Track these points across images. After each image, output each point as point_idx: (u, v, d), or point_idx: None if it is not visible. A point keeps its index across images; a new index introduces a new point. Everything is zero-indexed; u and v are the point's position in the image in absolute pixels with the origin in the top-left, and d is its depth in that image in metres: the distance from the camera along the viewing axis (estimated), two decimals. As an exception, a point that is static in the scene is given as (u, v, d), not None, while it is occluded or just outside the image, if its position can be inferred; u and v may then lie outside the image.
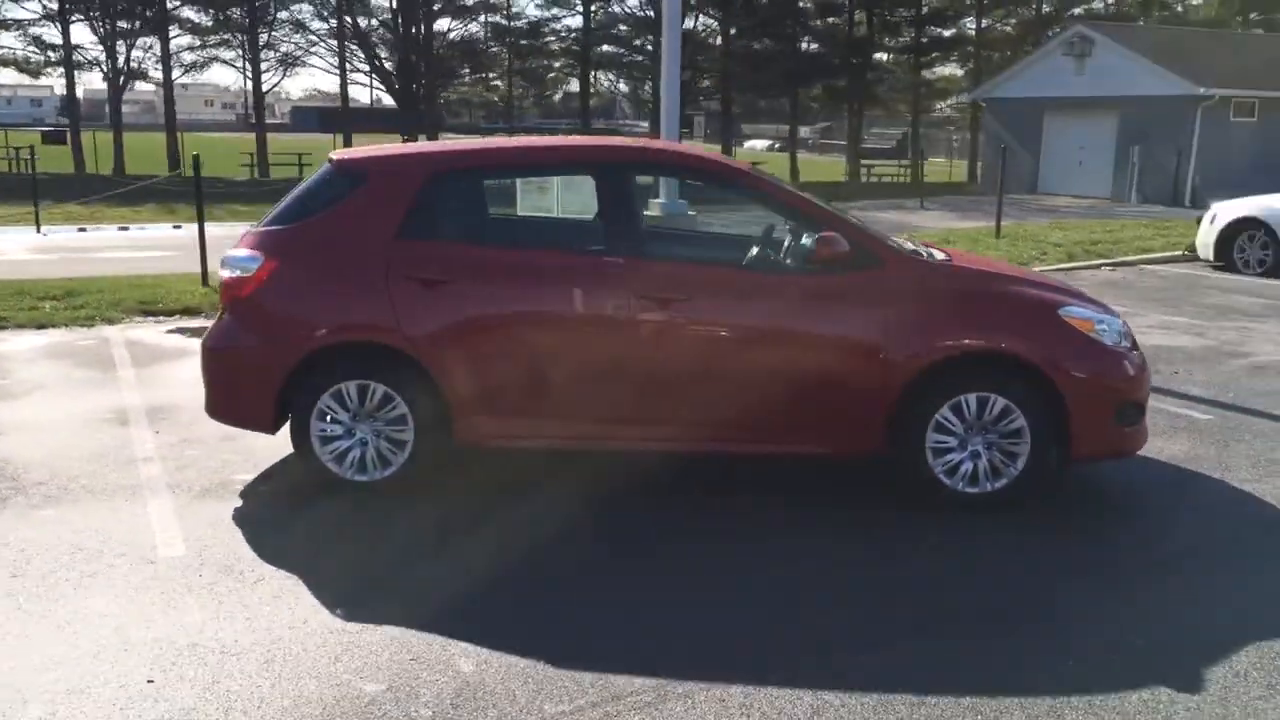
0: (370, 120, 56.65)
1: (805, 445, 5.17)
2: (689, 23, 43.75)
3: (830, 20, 49.58)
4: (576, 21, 48.25)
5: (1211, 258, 13.77)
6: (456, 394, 5.02)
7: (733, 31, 46.43)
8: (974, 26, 50.75)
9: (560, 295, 5.07)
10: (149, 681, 3.52)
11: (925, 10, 48.69)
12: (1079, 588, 4.37)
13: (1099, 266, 14.21)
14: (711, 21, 47.29)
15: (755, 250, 5.61)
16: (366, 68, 45.18)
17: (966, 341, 5.01)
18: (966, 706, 3.42)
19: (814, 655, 3.75)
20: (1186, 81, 25.67)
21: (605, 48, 48.06)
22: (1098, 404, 5.05)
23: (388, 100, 49.21)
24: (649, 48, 45.92)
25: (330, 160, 5.47)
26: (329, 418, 5.12)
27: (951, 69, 55.53)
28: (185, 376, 7.46)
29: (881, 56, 52.39)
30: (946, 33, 52.07)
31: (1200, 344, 9.20)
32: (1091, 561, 4.66)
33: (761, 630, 3.96)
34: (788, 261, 5.32)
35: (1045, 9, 49.90)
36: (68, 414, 6.62)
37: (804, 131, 62.29)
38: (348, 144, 35.81)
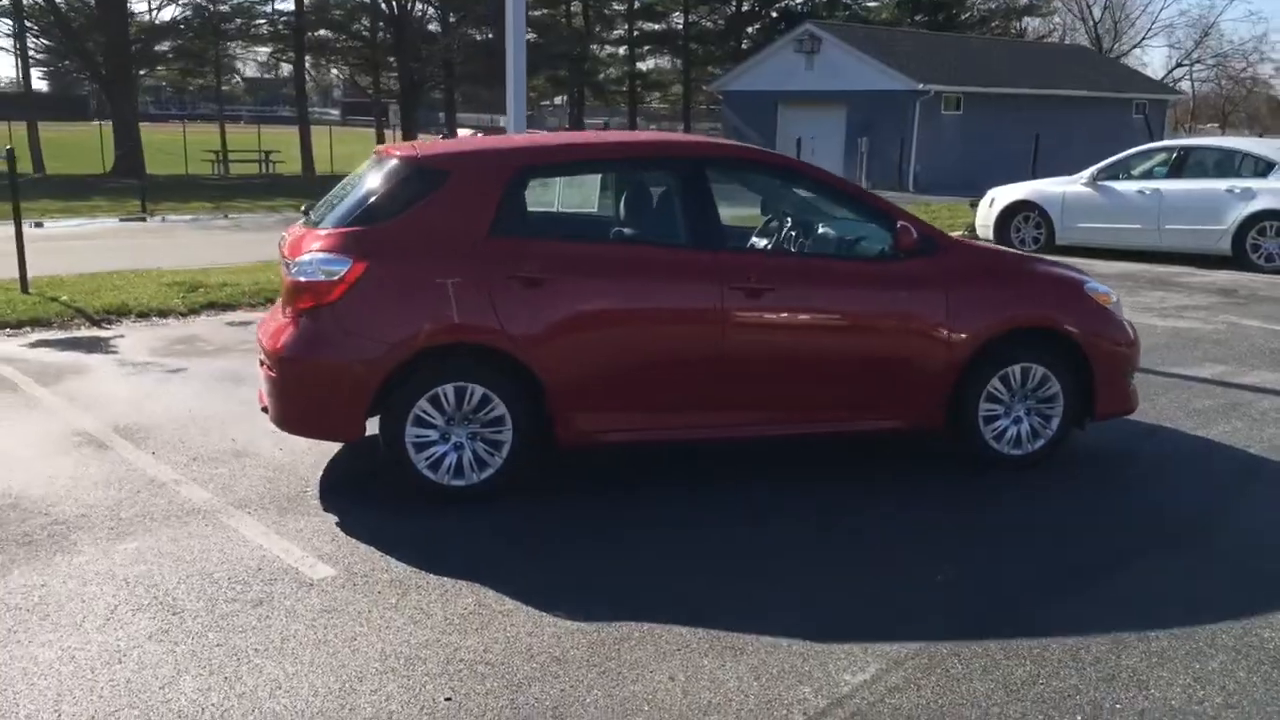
0: (41, 108, 51.15)
1: (881, 420, 5.54)
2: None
3: (549, 11, 50.16)
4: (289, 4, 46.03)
5: (992, 237, 15.36)
6: (558, 392, 5.02)
7: (452, 19, 45.91)
8: (681, 22, 52.90)
9: (657, 290, 5.17)
10: (446, 699, 3.42)
11: (637, 5, 50.29)
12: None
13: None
14: (432, 9, 46.58)
15: (820, 238, 5.90)
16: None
17: (1017, 317, 5.55)
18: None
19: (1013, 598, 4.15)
20: (907, 78, 28.19)
21: (321, 32, 46.18)
22: (1114, 368, 5.75)
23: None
24: (365, 34, 44.70)
25: (399, 156, 5.28)
26: (424, 423, 4.97)
27: (662, 61, 57.82)
28: (114, 393, 6.92)
29: (599, 49, 53.63)
30: (657, 26, 54.11)
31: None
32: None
33: (966, 588, 4.30)
34: (858, 249, 5.65)
35: (744, 7, 52.76)
36: (23, 441, 5.96)
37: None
38: (34, 135, 32.32)
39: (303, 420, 5.08)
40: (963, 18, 50.73)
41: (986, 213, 15.46)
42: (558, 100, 62.11)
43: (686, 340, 5.19)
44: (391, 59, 43.25)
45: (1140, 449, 6.16)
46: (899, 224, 5.38)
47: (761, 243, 6.03)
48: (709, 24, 54.60)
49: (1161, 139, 35.87)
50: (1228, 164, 13.65)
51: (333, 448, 5.82)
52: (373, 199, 5.14)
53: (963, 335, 5.44)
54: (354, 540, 4.66)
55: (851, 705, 3.40)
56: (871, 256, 5.50)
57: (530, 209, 5.39)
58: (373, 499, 5.14)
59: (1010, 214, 15.14)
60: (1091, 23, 57.03)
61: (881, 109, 28.83)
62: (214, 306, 10.11)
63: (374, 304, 4.89)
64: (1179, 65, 54.25)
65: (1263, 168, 13.18)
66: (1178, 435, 6.40)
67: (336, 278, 4.87)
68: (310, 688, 3.46)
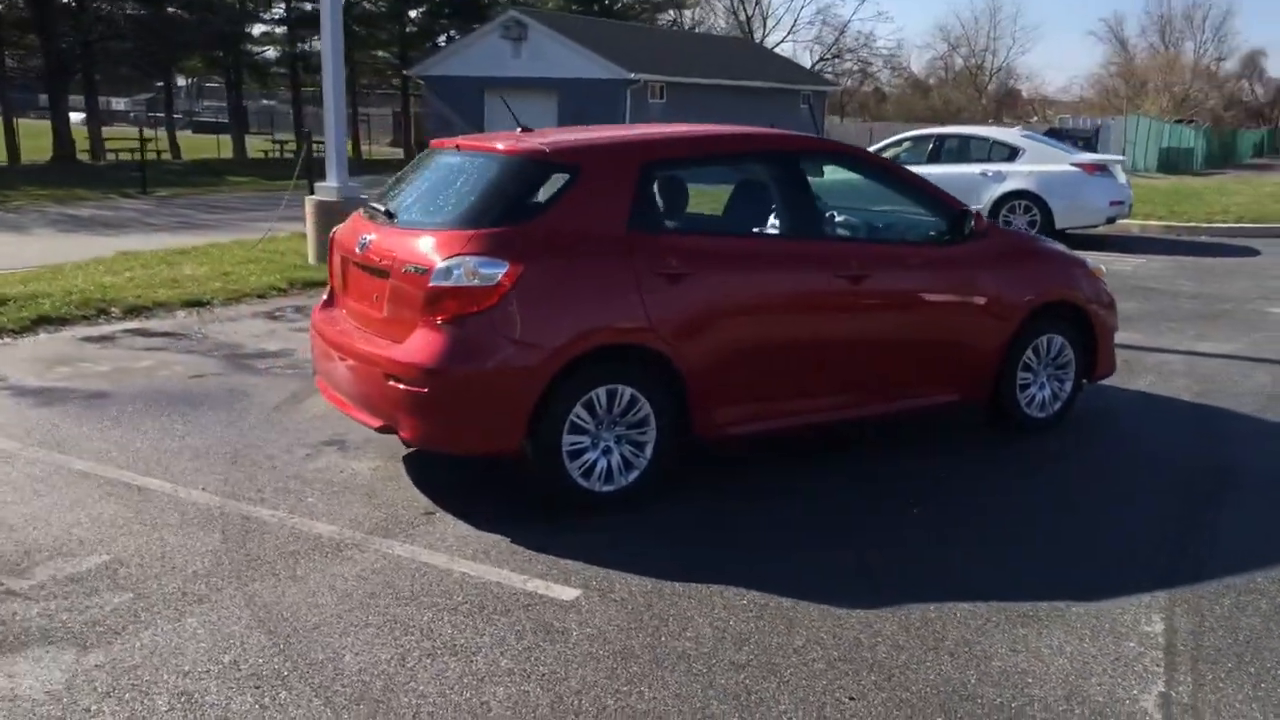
0: None
1: (942, 395, 5.93)
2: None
3: (204, -12, 46.61)
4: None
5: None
6: (698, 387, 5.01)
7: (93, -3, 41.56)
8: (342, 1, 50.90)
9: (781, 279, 5.27)
10: (850, 699, 3.44)
11: (295, -15, 47.89)
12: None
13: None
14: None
15: (893, 225, 6.16)
16: None
17: (1049, 292, 6.14)
18: None
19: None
20: (618, 67, 29.01)
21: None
22: (1108, 335, 6.50)
23: None
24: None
25: (522, 151, 5.00)
26: (578, 429, 4.81)
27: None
28: (79, 433, 6.04)
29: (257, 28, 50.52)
30: (316, 6, 51.72)
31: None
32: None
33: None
34: (925, 234, 5.98)
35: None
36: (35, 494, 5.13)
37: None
38: None
39: (459, 436, 4.73)
40: (615, 7, 52.54)
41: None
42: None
43: (803, 328, 5.33)
44: (33, 37, 38.57)
45: (1099, 404, 6.94)
46: (971, 209, 5.79)
47: (844, 232, 6.23)
48: (370, 6, 53.01)
49: (822, 127, 39.27)
50: (980, 150, 15.33)
51: (393, 463, 5.46)
52: (502, 197, 4.86)
53: (1011, 310, 5.95)
54: (553, 556, 4.44)
55: (1181, 652, 3.75)
56: (937, 241, 5.87)
57: (672, 204, 5.29)
58: (514, 512, 4.87)
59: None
60: (744, 16, 60.88)
61: (593, 97, 29.45)
62: (48, 321, 8.86)
63: (533, 308, 4.64)
64: (821, 60, 59.36)
65: (1009, 153, 14.92)
66: (1117, 390, 7.25)
67: (494, 282, 4.57)
68: (701, 699, 3.34)
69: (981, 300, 5.87)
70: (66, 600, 3.97)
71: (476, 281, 4.57)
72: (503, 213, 4.78)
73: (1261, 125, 79.49)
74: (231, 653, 3.61)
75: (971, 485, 5.47)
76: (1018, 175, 14.57)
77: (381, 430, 4.89)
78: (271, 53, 51.45)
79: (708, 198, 6.42)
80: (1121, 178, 14.85)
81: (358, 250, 5.11)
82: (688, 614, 3.95)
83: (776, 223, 5.50)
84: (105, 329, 8.74)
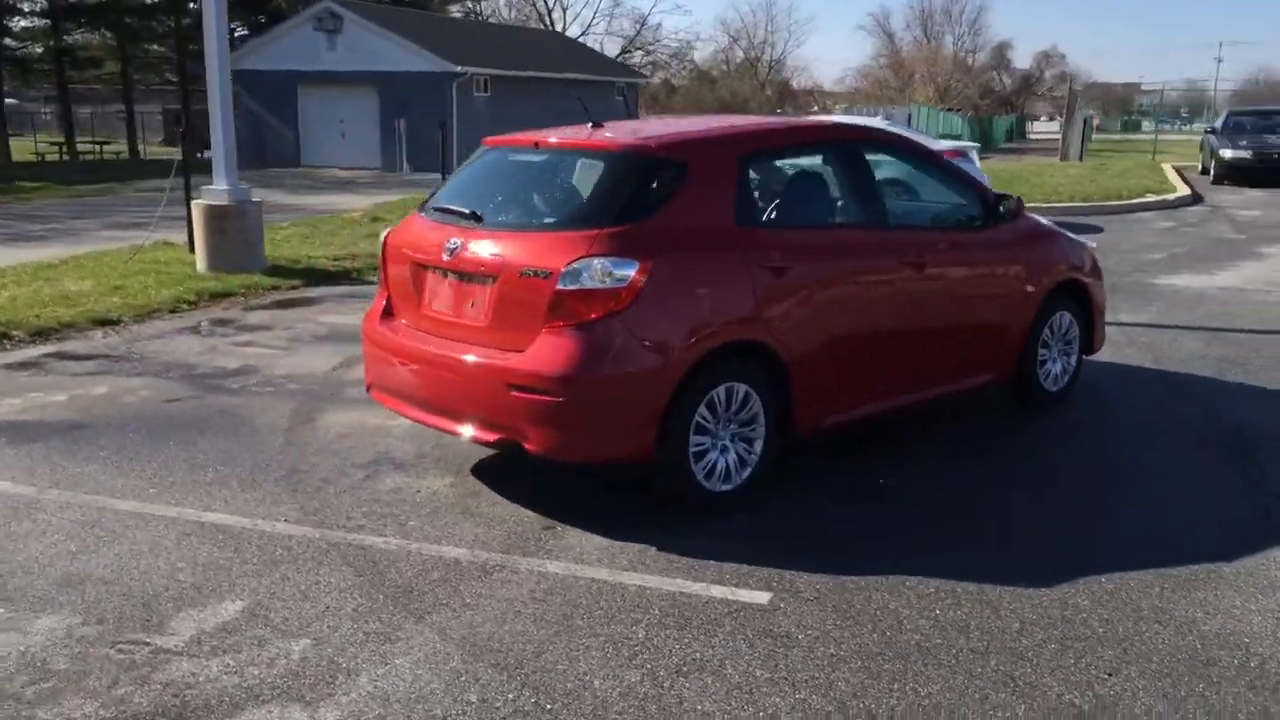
0: None
1: (985, 376, 6.15)
2: None
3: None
4: None
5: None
6: (800, 380, 5.02)
7: None
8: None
9: (866, 268, 5.32)
10: (1108, 675, 3.55)
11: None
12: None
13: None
14: None
15: (941, 211, 6.25)
16: None
17: (1064, 271, 6.46)
18: None
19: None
20: (443, 60, 28.37)
21: None
22: (1101, 310, 6.90)
23: None
24: None
25: (631, 146, 4.84)
26: (702, 429, 4.74)
27: (93, 37, 51.54)
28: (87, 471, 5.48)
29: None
30: (88, -1, 48.22)
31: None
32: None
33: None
34: (969, 218, 6.12)
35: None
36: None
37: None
38: None
39: (594, 444, 4.55)
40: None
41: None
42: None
43: (882, 316, 5.40)
44: None
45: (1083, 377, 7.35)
46: (1009, 195, 6.01)
47: (904, 220, 6.25)
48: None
49: (635, 114, 39.64)
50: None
51: (464, 478, 5.23)
52: (618, 194, 4.70)
53: (1036, 289, 6.23)
54: (709, 561, 4.35)
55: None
56: (976, 226, 6.05)
57: (764, 197, 5.23)
58: (635, 519, 4.73)
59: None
60: (544, 8, 60.45)
61: (417, 91, 28.71)
62: (-49, 347, 7.96)
63: (663, 307, 4.53)
64: (624, 52, 59.70)
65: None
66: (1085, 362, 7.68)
67: (626, 282, 4.43)
68: (976, 689, 3.37)
69: (1016, 281, 6.11)
70: (240, 654, 3.60)
71: (608, 282, 4.41)
72: (623, 211, 4.62)
73: (1010, 112, 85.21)
74: (474, 691, 3.38)
75: (1033, 461, 5.68)
76: (887, 164, 15.12)
77: (497, 445, 4.66)
78: (35, 47, 47.64)
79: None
80: (977, 163, 15.66)
81: (445, 256, 4.83)
82: (890, 607, 3.95)
83: (847, 212, 5.53)
84: (21, 355, 7.92)
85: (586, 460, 4.65)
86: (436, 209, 5.22)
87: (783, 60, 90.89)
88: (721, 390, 4.73)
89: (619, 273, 4.41)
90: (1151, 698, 3.35)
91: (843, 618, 3.86)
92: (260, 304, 10.00)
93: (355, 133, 29.89)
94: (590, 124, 5.28)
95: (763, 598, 4.02)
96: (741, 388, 4.79)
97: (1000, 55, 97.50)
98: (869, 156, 5.59)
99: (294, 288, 10.80)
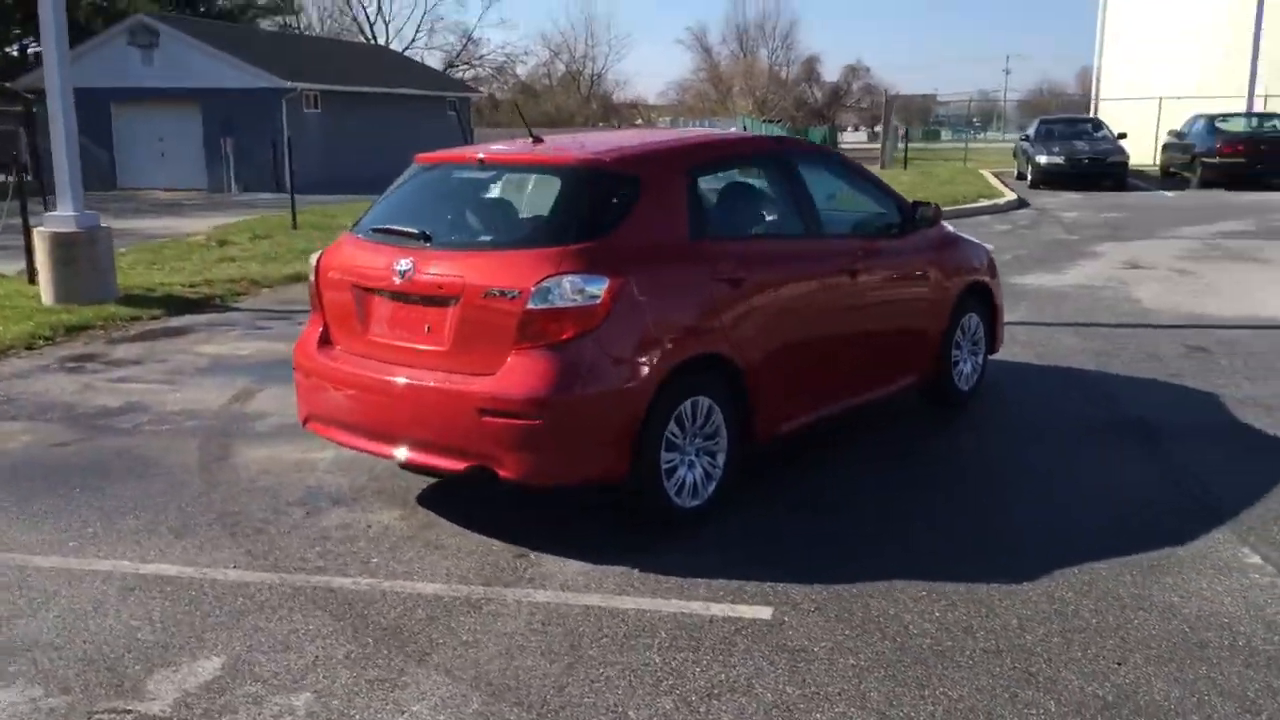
0: None
1: (911, 378, 6.31)
2: None
3: None
4: None
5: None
6: (761, 391, 5.03)
7: None
8: None
9: (809, 276, 5.38)
10: (1117, 664, 3.68)
11: None
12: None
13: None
14: None
15: (863, 220, 6.31)
16: None
17: (971, 274, 6.70)
18: None
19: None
20: (272, 75, 27.38)
21: None
22: (1001, 312, 7.19)
23: None
24: None
25: (585, 161, 4.74)
26: (671, 445, 4.70)
27: None
28: None
29: None
30: None
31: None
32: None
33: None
34: (890, 226, 6.23)
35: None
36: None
37: None
38: None
39: (571, 467, 4.42)
40: (216, 10, 49.13)
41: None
42: None
43: (824, 323, 5.46)
44: None
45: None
46: (927, 203, 6.18)
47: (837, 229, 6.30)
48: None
49: (471, 132, 39.24)
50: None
51: (413, 510, 5.04)
52: (577, 210, 4.61)
53: (951, 293, 6.44)
54: (698, 579, 4.29)
55: None
56: (897, 233, 6.18)
57: (713, 209, 5.19)
58: (606, 540, 4.63)
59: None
60: (368, 22, 59.03)
61: (243, 108, 27.60)
62: None
63: (631, 324, 4.46)
64: (450, 66, 58.80)
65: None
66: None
67: (597, 300, 4.35)
68: (1003, 686, 3.44)
69: (934, 286, 6.30)
70: (238, 713, 3.34)
71: (579, 300, 4.31)
72: (585, 227, 4.52)
73: (822, 123, 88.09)
74: (508, 734, 3.21)
75: (961, 461, 5.85)
76: (813, 175, 15.39)
77: (466, 474, 4.47)
78: None
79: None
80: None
81: (396, 279, 4.62)
82: (890, 613, 3.98)
83: (789, 222, 5.56)
84: None
85: (561, 483, 4.52)
86: (375, 230, 5.00)
87: (603, 74, 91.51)
88: (688, 404, 4.69)
89: (590, 289, 4.32)
90: (1165, 683, 3.47)
91: (849, 627, 3.86)
92: (125, 336, 9.39)
93: (177, 152, 28.50)
94: (531, 139, 5.16)
95: (764, 612, 3.99)
96: (705, 401, 4.76)
97: (810, 69, 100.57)
98: (803, 168, 5.63)
99: (155, 318, 10.19)
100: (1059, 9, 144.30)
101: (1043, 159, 23.35)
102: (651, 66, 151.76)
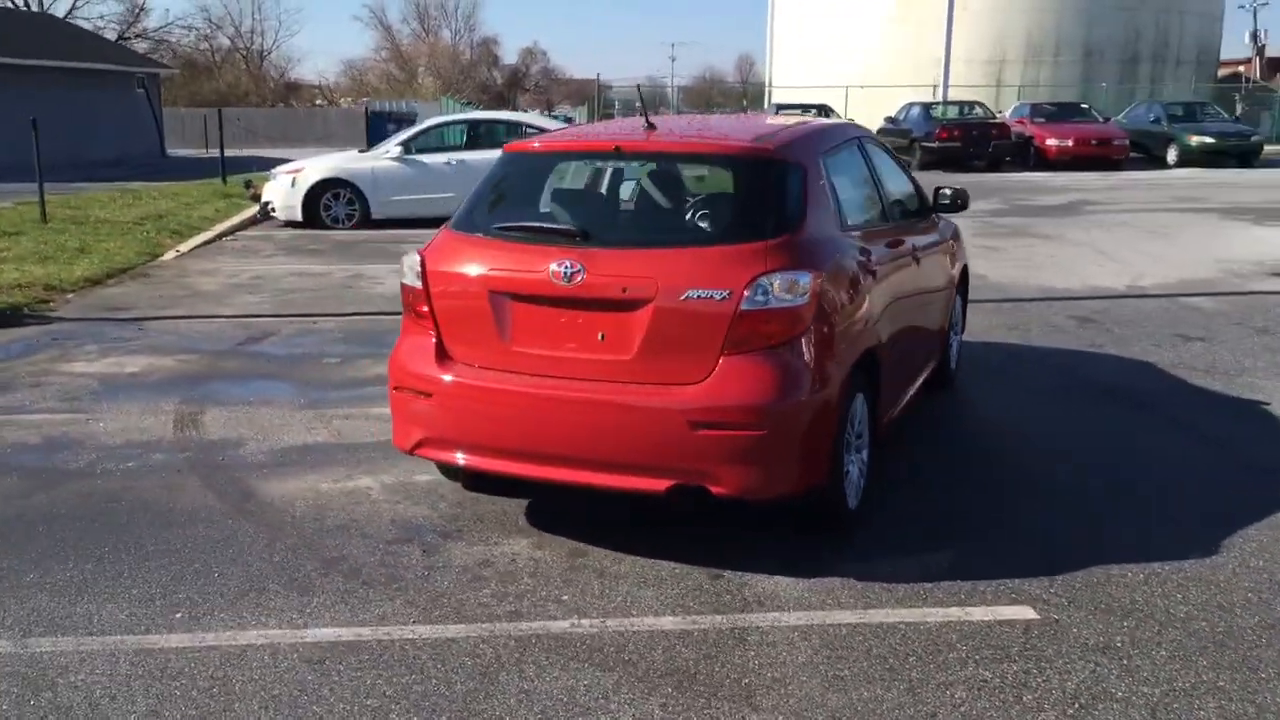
0: None
1: (932, 364, 6.38)
2: None
3: None
4: None
5: (300, 218, 15.04)
6: (885, 385, 4.97)
7: None
8: None
9: (904, 265, 5.29)
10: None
11: None
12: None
13: (211, 241, 14.19)
14: None
15: (904, 207, 6.20)
16: None
17: (964, 261, 6.93)
18: None
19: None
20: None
21: None
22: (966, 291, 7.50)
23: None
24: None
25: (759, 150, 4.42)
26: (848, 446, 4.56)
27: None
28: None
29: None
30: None
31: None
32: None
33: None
34: (916, 212, 6.21)
35: None
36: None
37: None
38: None
39: (790, 479, 4.12)
40: None
41: (290, 193, 15.02)
42: None
43: (909, 312, 5.38)
44: None
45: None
46: (953, 188, 6.29)
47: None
48: None
49: (159, 109, 35.94)
50: (516, 133, 15.60)
51: (512, 536, 4.62)
52: (761, 202, 4.31)
53: (955, 276, 6.64)
54: (928, 583, 4.17)
55: None
56: (925, 218, 6.21)
57: (837, 196, 4.95)
58: (782, 551, 4.41)
59: (319, 192, 14.99)
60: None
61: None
62: None
63: (831, 322, 4.25)
64: (121, 39, 53.13)
65: (537, 133, 15.41)
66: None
67: (806, 298, 4.10)
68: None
69: (950, 269, 6.45)
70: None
71: (790, 299, 4.04)
72: (780, 220, 4.25)
73: (503, 106, 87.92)
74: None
75: (1034, 426, 6.03)
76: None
77: (670, 493, 4.09)
78: None
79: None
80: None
81: (562, 282, 4.14)
82: (1142, 600, 3.99)
83: (879, 208, 5.46)
84: None
85: (780, 496, 4.21)
86: (506, 228, 4.45)
87: (272, 51, 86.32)
88: (857, 402, 4.53)
89: (801, 285, 4.06)
90: None
91: (1120, 618, 3.86)
92: (-44, 357, 7.87)
93: None
94: (645, 122, 4.76)
95: (1027, 612, 3.92)
96: (860, 397, 4.62)
97: (488, 51, 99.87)
98: (871, 151, 5.56)
99: (-32, 334, 8.62)
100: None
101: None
102: (327, 45, 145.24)
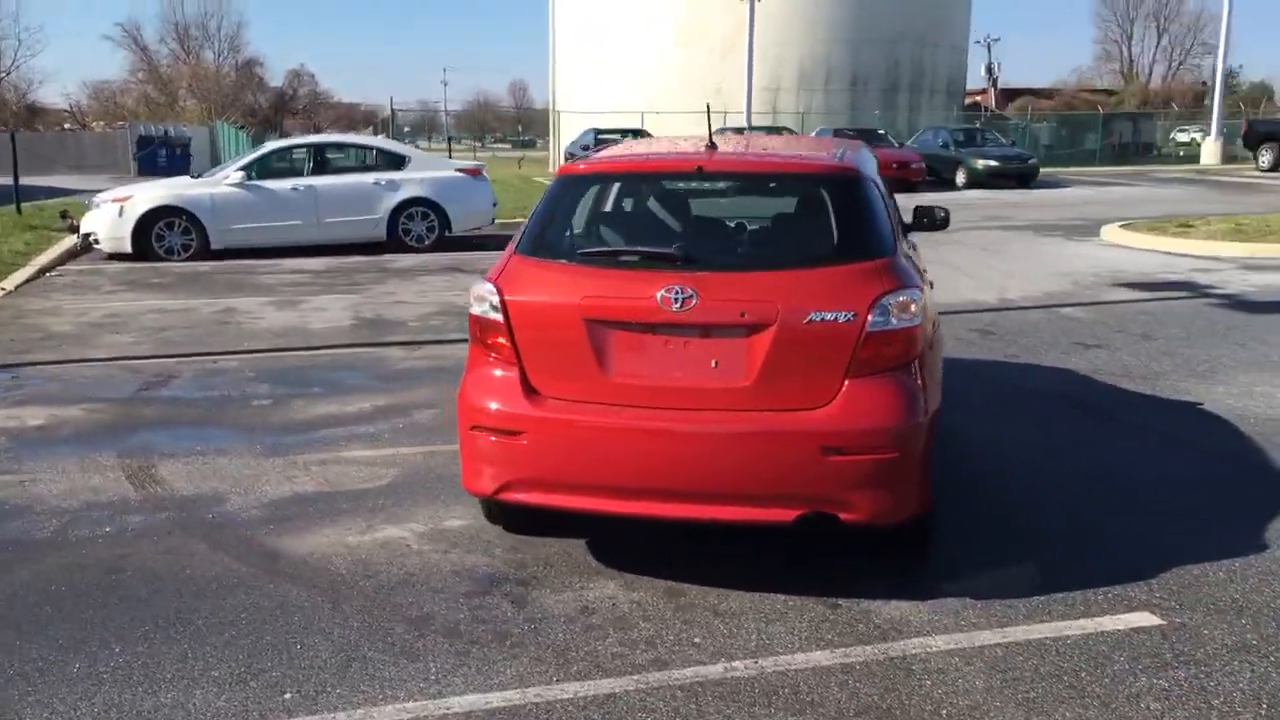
0: None
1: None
2: None
3: None
4: None
5: (130, 249, 13.92)
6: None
7: None
8: None
9: None
10: None
11: None
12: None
13: (34, 277, 12.92)
14: None
15: None
16: None
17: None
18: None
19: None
20: None
21: None
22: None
23: None
24: None
25: (846, 169, 4.35)
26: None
27: None
28: None
29: None
30: None
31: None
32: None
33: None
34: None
35: None
36: None
37: None
38: None
39: (914, 500, 4.05)
40: None
41: (117, 223, 13.88)
42: None
43: None
44: None
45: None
46: (938, 206, 6.44)
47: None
48: None
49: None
50: (365, 159, 14.99)
51: (604, 576, 4.42)
52: (860, 222, 4.26)
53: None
54: (1034, 597, 4.21)
55: None
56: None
57: None
58: (876, 575, 4.36)
59: (150, 221, 13.92)
60: None
61: None
62: None
63: (931, 342, 4.27)
64: None
65: (397, 161, 14.89)
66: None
67: (920, 317, 4.09)
68: None
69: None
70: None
71: (907, 319, 4.01)
72: (882, 239, 4.21)
73: (271, 130, 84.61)
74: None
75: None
76: (412, 183, 14.65)
77: (798, 523, 3.96)
78: None
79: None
80: (488, 180, 15.84)
81: (674, 308, 3.95)
82: (1236, 598, 4.12)
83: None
84: None
85: (906, 519, 4.12)
86: (594, 254, 4.21)
87: (10, 72, 79.57)
88: (936, 421, 4.54)
89: (916, 306, 4.03)
90: None
91: (1241, 615, 3.97)
92: None
93: None
94: (707, 140, 4.61)
95: (1150, 618, 3.99)
96: (927, 415, 4.63)
97: (251, 73, 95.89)
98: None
99: None
100: (496, 24, 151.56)
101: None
102: (74, 66, 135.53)
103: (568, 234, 4.38)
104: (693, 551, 4.52)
